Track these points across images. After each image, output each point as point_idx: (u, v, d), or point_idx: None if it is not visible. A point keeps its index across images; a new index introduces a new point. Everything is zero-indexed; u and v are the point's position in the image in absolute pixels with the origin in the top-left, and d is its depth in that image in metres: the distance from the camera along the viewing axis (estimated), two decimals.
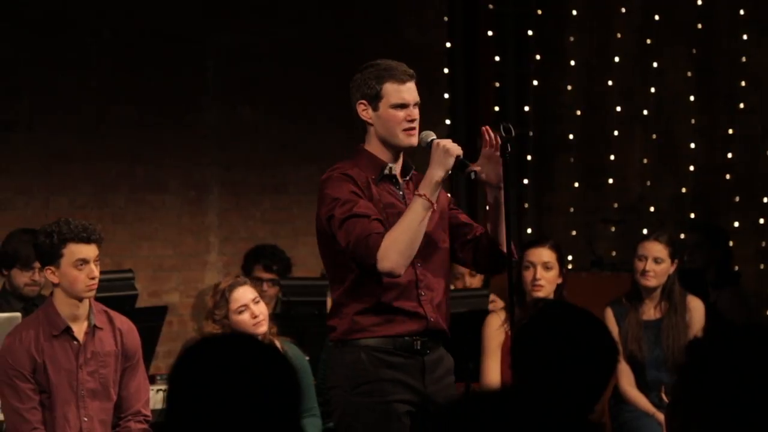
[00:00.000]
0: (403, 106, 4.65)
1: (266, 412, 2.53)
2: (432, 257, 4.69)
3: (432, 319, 4.66)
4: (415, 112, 4.67)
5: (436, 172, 4.55)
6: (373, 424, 4.57)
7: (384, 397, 4.58)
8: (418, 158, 4.88)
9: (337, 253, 4.63)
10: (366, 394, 4.58)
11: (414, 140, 4.67)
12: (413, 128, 4.67)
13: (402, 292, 4.61)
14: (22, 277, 6.70)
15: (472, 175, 4.62)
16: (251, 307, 6.00)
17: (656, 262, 6.50)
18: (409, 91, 4.67)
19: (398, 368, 4.61)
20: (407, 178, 4.76)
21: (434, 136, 4.67)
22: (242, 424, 2.51)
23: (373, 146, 4.71)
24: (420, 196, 4.54)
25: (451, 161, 4.56)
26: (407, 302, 4.62)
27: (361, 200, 4.57)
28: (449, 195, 4.97)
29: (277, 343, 5.78)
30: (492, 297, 6.53)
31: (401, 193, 4.72)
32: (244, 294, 6.01)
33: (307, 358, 6.39)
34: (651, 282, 6.51)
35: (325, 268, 4.79)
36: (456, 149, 4.57)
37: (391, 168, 4.70)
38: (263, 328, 5.99)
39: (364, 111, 4.69)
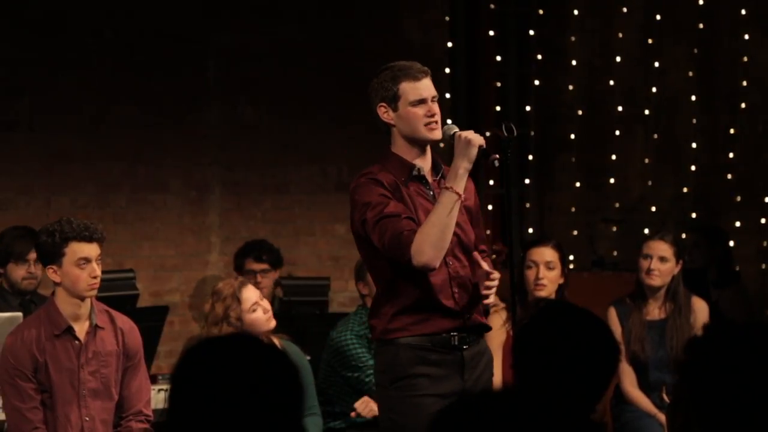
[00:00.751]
0: (421, 101, 4.73)
1: (269, 411, 2.52)
2: (463, 254, 4.77)
3: (468, 316, 4.74)
4: (435, 107, 4.76)
5: (461, 163, 4.64)
6: (407, 417, 4.63)
7: (417, 392, 4.65)
8: (446, 157, 4.90)
9: (373, 257, 4.72)
10: (401, 389, 4.65)
11: (437, 134, 4.75)
12: (435, 122, 4.74)
13: (437, 291, 4.68)
14: (18, 271, 6.77)
15: (495, 163, 4.68)
16: (261, 304, 6.04)
17: (661, 261, 6.50)
18: (425, 87, 4.76)
19: (435, 364, 4.68)
20: (437, 177, 4.82)
21: (456, 129, 4.74)
22: (245, 424, 2.51)
23: (399, 148, 4.77)
24: (447, 188, 4.62)
25: (474, 151, 4.64)
26: (443, 301, 4.69)
27: (391, 201, 4.65)
28: (479, 202, 5.01)
29: (276, 342, 5.79)
30: (493, 299, 6.53)
31: (431, 192, 4.78)
32: (253, 293, 6.06)
33: (308, 357, 6.39)
34: (655, 281, 6.50)
35: (368, 271, 4.89)
36: (478, 139, 4.66)
37: (419, 169, 4.77)
38: (274, 322, 6.04)
39: (386, 113, 4.76)
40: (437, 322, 4.69)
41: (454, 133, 4.71)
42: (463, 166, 4.64)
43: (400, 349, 4.67)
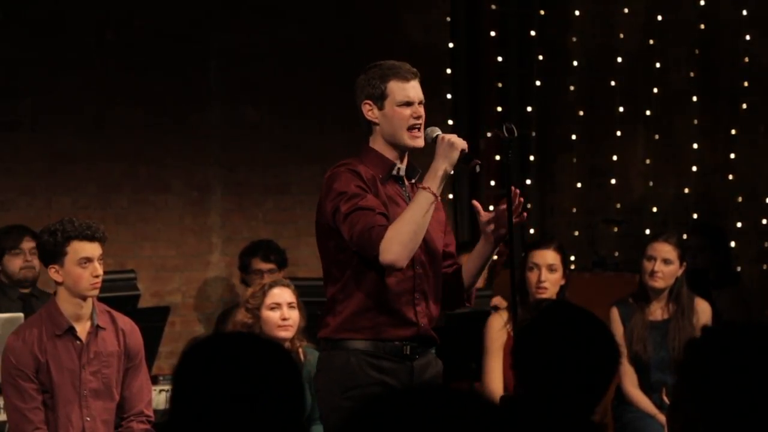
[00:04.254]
0: (408, 104, 4.67)
1: (269, 410, 2.52)
2: (431, 263, 4.71)
3: (422, 325, 4.68)
4: (421, 110, 4.70)
5: (441, 164, 4.58)
6: None
7: None
8: (425, 160, 4.88)
9: (337, 250, 4.64)
10: (355, 399, 4.56)
11: (420, 142, 4.70)
12: (418, 126, 4.69)
13: (397, 296, 4.62)
14: (15, 261, 6.86)
15: (477, 168, 4.62)
16: (284, 309, 6.02)
17: (665, 263, 6.50)
18: (413, 89, 4.70)
19: (387, 372, 4.61)
20: (413, 180, 4.77)
21: (439, 132, 4.69)
22: (245, 422, 2.50)
23: (379, 145, 4.73)
24: (424, 189, 4.56)
25: (456, 155, 4.58)
26: (401, 307, 4.63)
27: (367, 194, 4.58)
28: (445, 214, 4.98)
29: (300, 350, 5.94)
30: (495, 301, 6.53)
31: (407, 194, 4.73)
32: (282, 294, 6.06)
33: None
34: (659, 283, 6.50)
35: (322, 264, 4.77)
36: (461, 143, 4.60)
37: (399, 169, 4.72)
38: (287, 333, 5.99)
39: (370, 111, 4.70)
40: (391, 329, 4.61)
41: (437, 135, 4.66)
42: (443, 168, 4.57)
43: (351, 354, 4.59)
